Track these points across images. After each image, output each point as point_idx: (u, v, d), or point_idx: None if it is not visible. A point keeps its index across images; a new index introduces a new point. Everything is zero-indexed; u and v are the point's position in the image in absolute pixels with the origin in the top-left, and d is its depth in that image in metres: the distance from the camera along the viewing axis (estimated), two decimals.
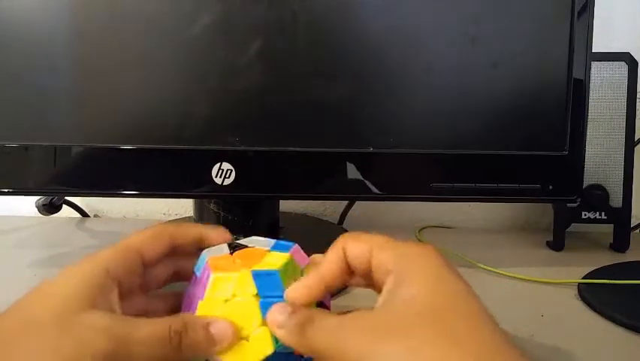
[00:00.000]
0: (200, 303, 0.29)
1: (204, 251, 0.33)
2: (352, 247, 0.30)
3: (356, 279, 0.31)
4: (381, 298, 0.28)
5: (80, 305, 0.26)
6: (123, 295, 0.29)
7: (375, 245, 0.30)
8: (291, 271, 0.31)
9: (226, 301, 0.29)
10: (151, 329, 0.27)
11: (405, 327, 0.25)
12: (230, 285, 0.29)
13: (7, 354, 0.24)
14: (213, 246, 0.34)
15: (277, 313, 0.28)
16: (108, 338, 0.25)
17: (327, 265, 0.30)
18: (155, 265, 0.32)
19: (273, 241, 0.33)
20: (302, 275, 0.31)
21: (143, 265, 0.31)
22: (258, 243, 0.33)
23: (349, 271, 0.31)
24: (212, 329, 0.28)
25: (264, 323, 0.28)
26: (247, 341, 0.28)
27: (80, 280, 0.27)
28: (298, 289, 0.29)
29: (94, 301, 0.27)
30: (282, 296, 0.29)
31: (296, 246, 0.33)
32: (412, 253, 0.29)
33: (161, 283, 0.34)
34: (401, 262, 0.28)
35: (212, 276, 0.30)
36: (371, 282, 0.30)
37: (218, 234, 0.34)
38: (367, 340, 0.25)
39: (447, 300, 0.26)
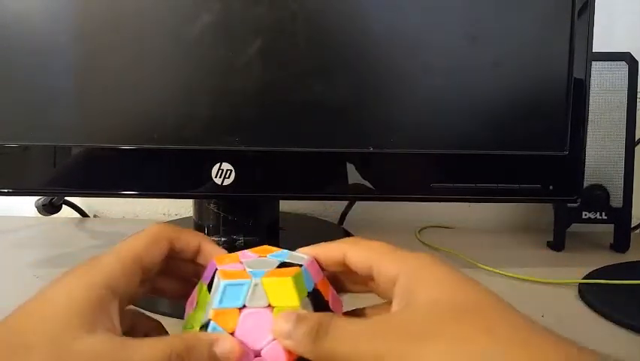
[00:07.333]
0: (212, 311, 0.28)
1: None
2: (353, 254, 0.30)
3: (357, 286, 0.32)
4: (398, 303, 0.27)
5: (78, 328, 0.24)
6: (121, 307, 0.28)
7: (377, 253, 0.30)
8: (302, 284, 0.29)
9: (239, 310, 0.28)
10: (151, 354, 0.25)
11: (440, 327, 0.24)
12: (242, 293, 0.28)
13: None
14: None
15: (283, 322, 0.26)
16: None
17: (326, 251, 0.31)
18: (152, 269, 0.31)
19: (285, 252, 0.32)
20: (317, 289, 0.30)
21: (142, 273, 0.30)
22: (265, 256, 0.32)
23: (347, 270, 0.31)
24: (217, 349, 0.26)
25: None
26: (260, 356, 0.27)
27: (81, 296, 0.26)
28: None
29: (93, 322, 0.25)
30: (209, 309, 0.28)
31: (311, 259, 0.31)
32: (419, 261, 0.28)
33: (157, 291, 0.33)
34: (409, 269, 0.28)
35: (223, 283, 0.28)
36: (371, 288, 0.31)
37: (215, 250, 0.32)
38: (404, 343, 0.24)
39: (471, 299, 0.26)
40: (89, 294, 0.26)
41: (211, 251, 0.32)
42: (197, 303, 0.30)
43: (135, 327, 0.31)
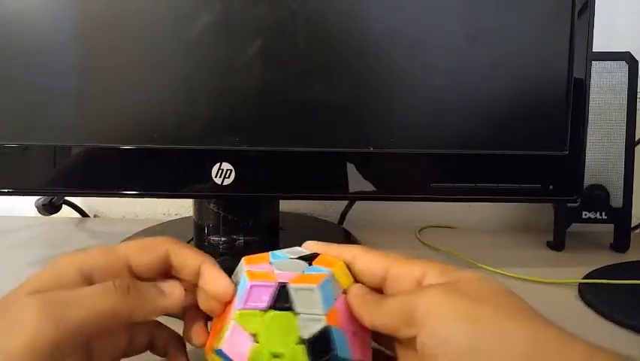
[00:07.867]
0: (236, 313, 0.28)
1: (243, 259, 0.32)
2: (364, 258, 0.31)
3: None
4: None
5: None
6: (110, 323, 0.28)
7: (391, 258, 0.31)
8: (332, 288, 0.30)
9: (264, 313, 0.28)
10: (94, 286, 0.28)
11: (482, 296, 0.27)
12: (268, 297, 0.28)
13: None
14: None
15: (356, 288, 0.30)
16: (44, 306, 0.26)
17: (334, 250, 0.32)
18: (144, 273, 0.31)
19: (278, 253, 0.33)
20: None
21: (130, 274, 0.30)
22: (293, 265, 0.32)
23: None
24: (161, 285, 0.30)
25: (301, 340, 0.27)
26: (280, 358, 0.27)
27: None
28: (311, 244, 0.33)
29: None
30: (321, 314, 0.28)
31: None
32: (438, 265, 0.30)
33: None
34: (438, 267, 0.29)
35: (317, 287, 0.29)
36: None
37: (215, 284, 0.30)
38: (441, 295, 0.26)
39: (497, 295, 0.28)
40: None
41: (212, 274, 0.30)
42: (256, 333, 0.28)
43: (154, 340, 0.32)
